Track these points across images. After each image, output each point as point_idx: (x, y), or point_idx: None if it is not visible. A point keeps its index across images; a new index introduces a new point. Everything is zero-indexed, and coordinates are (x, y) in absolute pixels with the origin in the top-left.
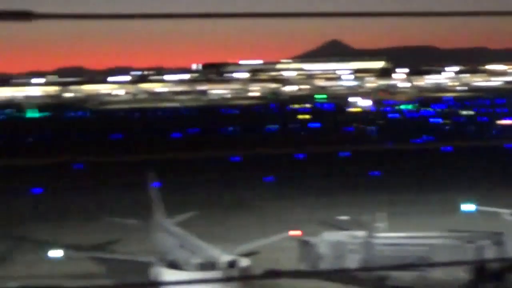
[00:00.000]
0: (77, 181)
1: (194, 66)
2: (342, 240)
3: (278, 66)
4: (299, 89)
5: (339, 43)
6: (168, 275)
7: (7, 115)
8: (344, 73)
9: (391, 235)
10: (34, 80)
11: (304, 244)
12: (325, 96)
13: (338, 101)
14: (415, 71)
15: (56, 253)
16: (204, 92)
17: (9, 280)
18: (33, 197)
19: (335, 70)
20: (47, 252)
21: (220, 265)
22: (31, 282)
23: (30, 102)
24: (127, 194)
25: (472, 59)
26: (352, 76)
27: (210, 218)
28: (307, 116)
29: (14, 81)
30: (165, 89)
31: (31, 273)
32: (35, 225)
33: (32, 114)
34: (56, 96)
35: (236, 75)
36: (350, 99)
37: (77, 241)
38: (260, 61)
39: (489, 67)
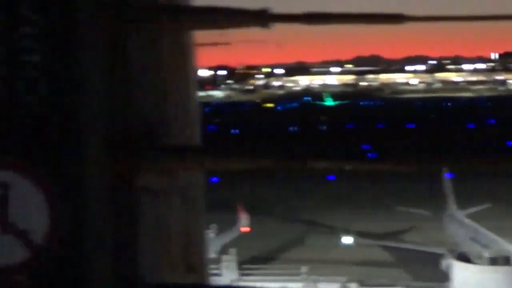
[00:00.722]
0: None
1: (492, 55)
2: None
3: None
4: None
5: None
6: (458, 267)
7: (304, 103)
8: None
9: None
10: (332, 69)
11: None
12: None
13: None
14: None
15: (347, 240)
16: (501, 82)
17: (301, 264)
18: (327, 183)
19: None
20: (338, 238)
21: None
22: (322, 266)
23: (326, 90)
24: (418, 183)
25: None
26: None
27: (504, 212)
28: None
29: (313, 69)
30: (460, 79)
31: (323, 258)
32: (327, 211)
33: (327, 102)
34: (352, 85)
35: None
36: None
37: (368, 229)
38: None
39: None
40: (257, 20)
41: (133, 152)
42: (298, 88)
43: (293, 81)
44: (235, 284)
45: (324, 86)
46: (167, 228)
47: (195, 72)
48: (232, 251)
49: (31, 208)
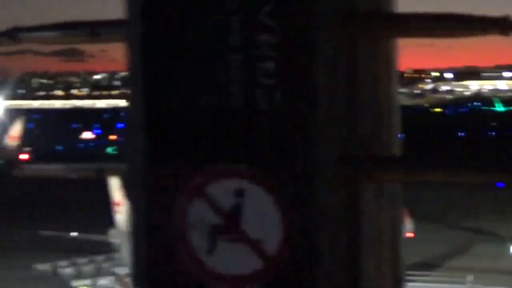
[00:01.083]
0: None
1: None
2: None
3: None
4: None
5: None
6: None
7: (473, 108)
8: None
9: None
10: (504, 74)
11: None
12: None
13: None
14: None
15: None
16: None
17: (466, 272)
18: (495, 190)
19: None
20: (506, 247)
21: None
22: (488, 276)
23: (498, 95)
24: None
25: None
26: None
27: None
28: None
29: (483, 74)
30: None
31: (490, 267)
32: (496, 219)
33: (498, 108)
34: None
35: None
36: None
37: None
38: None
39: None
40: (497, 27)
41: (358, 162)
42: (467, 93)
43: (463, 86)
44: None
45: (495, 91)
46: (380, 238)
47: (397, 78)
48: None
49: (264, 218)
